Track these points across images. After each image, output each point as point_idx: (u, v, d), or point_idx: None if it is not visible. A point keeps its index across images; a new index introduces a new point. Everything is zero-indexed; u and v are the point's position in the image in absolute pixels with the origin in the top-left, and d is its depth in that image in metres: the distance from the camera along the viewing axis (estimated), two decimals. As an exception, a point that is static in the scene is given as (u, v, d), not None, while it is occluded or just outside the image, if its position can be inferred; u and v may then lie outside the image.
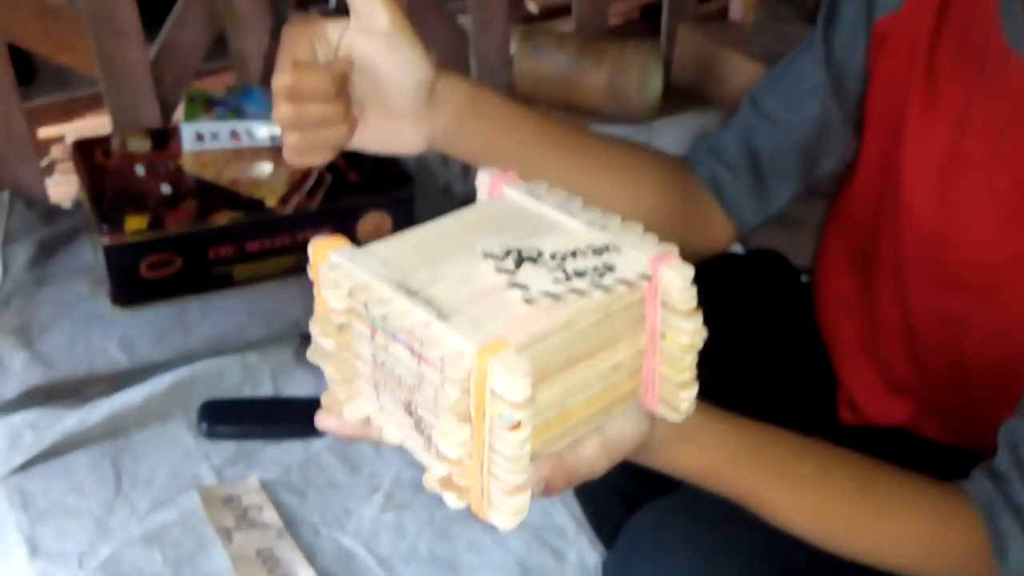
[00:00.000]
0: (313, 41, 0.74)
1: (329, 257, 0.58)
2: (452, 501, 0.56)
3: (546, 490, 0.58)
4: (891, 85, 0.87)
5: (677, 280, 0.57)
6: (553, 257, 0.58)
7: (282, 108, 0.72)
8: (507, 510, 0.54)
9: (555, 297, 0.55)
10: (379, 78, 0.75)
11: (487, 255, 0.58)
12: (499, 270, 0.57)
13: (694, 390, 0.60)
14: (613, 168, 0.89)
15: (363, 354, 0.59)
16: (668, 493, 0.79)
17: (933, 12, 0.83)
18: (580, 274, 0.57)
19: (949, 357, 0.88)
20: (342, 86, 0.74)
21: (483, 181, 0.67)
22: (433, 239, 0.61)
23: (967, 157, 0.82)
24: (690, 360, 0.59)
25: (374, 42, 0.73)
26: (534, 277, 0.56)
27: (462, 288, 0.56)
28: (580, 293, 0.56)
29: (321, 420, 0.62)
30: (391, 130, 0.78)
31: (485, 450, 0.53)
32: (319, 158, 0.76)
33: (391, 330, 0.55)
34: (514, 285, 0.56)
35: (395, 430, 0.60)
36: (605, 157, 0.89)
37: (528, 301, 0.55)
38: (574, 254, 0.59)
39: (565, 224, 0.62)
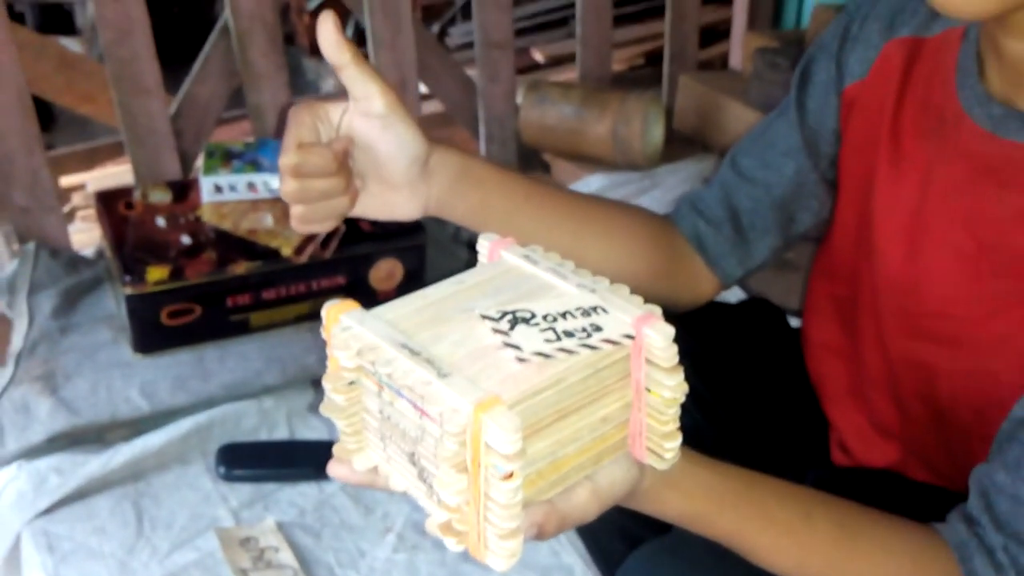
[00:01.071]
0: (316, 122, 0.81)
1: (340, 320, 0.64)
2: (452, 545, 0.60)
3: (539, 534, 0.62)
4: (861, 147, 0.93)
5: (659, 340, 0.61)
6: (545, 318, 0.63)
7: (288, 184, 0.79)
8: (502, 553, 0.59)
9: (546, 356, 0.60)
10: (377, 154, 0.82)
11: (484, 317, 0.63)
12: (495, 331, 0.62)
13: (678, 440, 0.65)
14: (600, 227, 0.95)
15: (371, 408, 0.64)
16: (664, 533, 0.84)
17: (897, 79, 0.89)
18: (569, 334, 0.62)
19: (926, 403, 0.93)
20: (343, 162, 0.80)
21: (483, 246, 0.72)
22: (435, 301, 0.66)
23: (930, 215, 0.87)
24: (673, 412, 0.63)
25: (371, 123, 0.81)
26: (527, 337, 0.61)
27: (461, 348, 0.61)
28: (569, 352, 0.60)
29: (333, 469, 0.68)
30: (390, 200, 0.85)
31: (481, 498, 0.58)
32: (323, 227, 0.83)
33: (396, 387, 0.60)
34: (508, 345, 0.61)
35: (400, 479, 0.64)
36: (593, 217, 0.95)
37: (521, 360, 0.60)
38: (564, 315, 0.63)
39: (557, 286, 0.67)
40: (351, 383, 0.64)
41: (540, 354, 0.60)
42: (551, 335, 0.62)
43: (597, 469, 0.64)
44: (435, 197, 0.86)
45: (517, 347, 0.60)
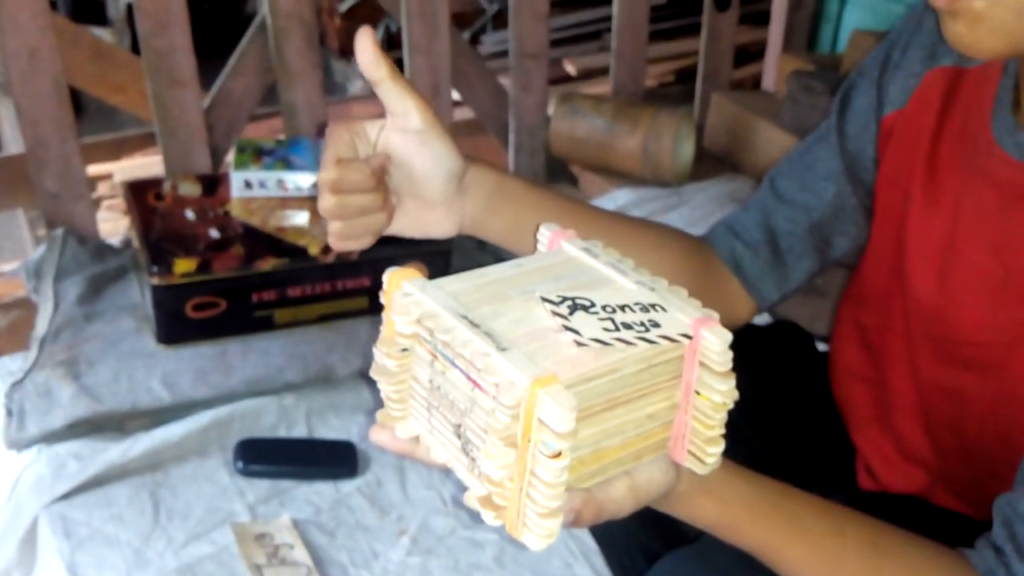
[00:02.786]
0: (354, 139, 0.81)
1: (403, 285, 0.64)
2: (489, 518, 0.60)
3: (575, 521, 0.62)
4: (897, 175, 0.93)
5: (716, 342, 0.61)
6: (604, 308, 0.63)
7: (327, 199, 0.78)
8: (539, 531, 0.59)
9: (603, 344, 0.60)
10: (413, 171, 0.82)
11: (544, 299, 0.63)
12: (555, 314, 0.62)
13: (721, 446, 0.65)
14: (633, 247, 0.94)
15: (421, 377, 0.64)
16: (685, 545, 0.84)
17: (936, 109, 0.89)
18: (628, 326, 0.61)
19: (955, 429, 0.92)
20: (380, 179, 0.80)
21: (544, 235, 0.72)
22: (495, 280, 0.66)
23: (960, 242, 0.87)
24: (720, 417, 0.63)
25: (408, 139, 0.81)
26: (586, 324, 0.61)
27: (519, 326, 0.61)
28: (627, 343, 0.60)
29: (375, 434, 0.68)
30: (425, 217, 0.85)
31: (526, 474, 0.58)
32: (360, 244, 0.82)
33: (451, 356, 0.60)
34: (567, 329, 0.60)
35: (442, 450, 0.64)
36: (626, 236, 0.94)
37: (579, 344, 0.59)
38: (623, 308, 0.63)
39: (617, 281, 0.67)
40: (404, 349, 0.64)
41: (598, 341, 0.60)
42: (609, 324, 0.61)
43: (636, 466, 0.64)
44: (470, 215, 0.86)
45: (576, 331, 0.60)
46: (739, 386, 0.62)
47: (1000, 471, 0.86)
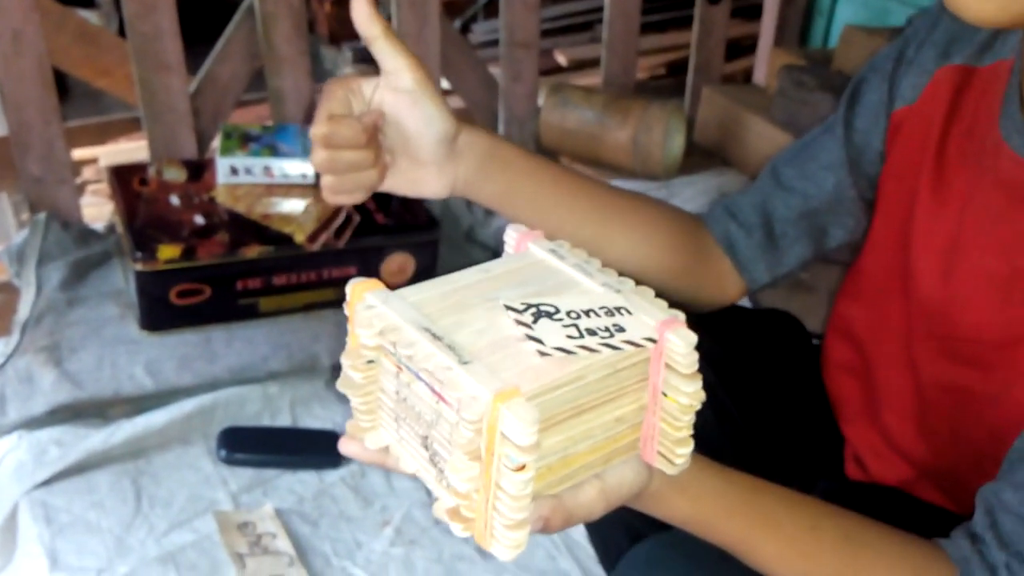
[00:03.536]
0: (348, 96, 0.82)
1: (365, 298, 0.63)
2: (458, 530, 0.60)
3: (544, 528, 0.62)
4: (904, 169, 0.93)
5: (681, 345, 0.61)
6: (569, 315, 0.63)
7: (319, 153, 0.81)
8: (507, 543, 0.59)
9: (567, 352, 0.60)
10: (405, 130, 0.83)
11: (508, 308, 0.63)
12: (518, 323, 0.62)
13: (690, 447, 0.64)
14: (627, 218, 0.95)
15: (388, 389, 0.64)
16: (667, 529, 0.84)
17: (945, 107, 0.89)
18: (592, 332, 0.61)
19: (951, 427, 0.92)
20: (373, 136, 0.82)
21: (511, 236, 0.72)
22: (460, 288, 0.66)
23: (966, 240, 0.87)
24: (688, 419, 0.63)
25: (401, 98, 0.82)
26: (550, 332, 0.61)
27: (483, 337, 0.60)
28: (590, 350, 0.60)
29: (344, 445, 0.68)
30: (418, 176, 0.86)
31: (491, 487, 0.58)
32: (352, 198, 0.84)
33: (415, 370, 0.60)
34: (531, 338, 0.60)
35: (411, 461, 0.64)
36: (620, 207, 0.95)
37: (542, 354, 0.59)
38: (588, 313, 0.63)
39: (582, 283, 0.67)
40: (370, 361, 0.64)
41: (562, 350, 0.60)
42: (574, 331, 0.61)
43: (607, 468, 0.64)
44: (462, 177, 0.87)
45: (539, 340, 0.60)
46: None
47: (987, 466, 0.86)
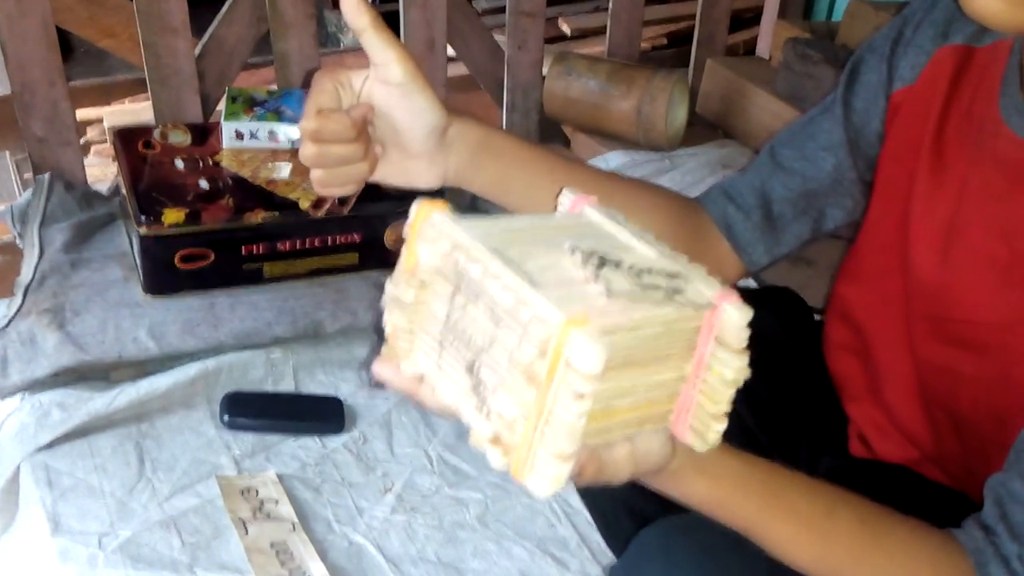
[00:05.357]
0: (337, 88, 0.82)
1: (432, 216, 0.63)
2: (496, 458, 0.60)
3: (578, 476, 0.63)
4: (903, 150, 0.93)
5: (737, 317, 0.61)
6: (631, 268, 0.63)
7: (307, 148, 0.81)
8: (547, 475, 0.58)
9: (632, 298, 0.60)
10: (395, 122, 0.83)
11: (574, 250, 0.62)
12: (584, 264, 0.61)
13: (724, 424, 0.65)
14: (623, 203, 0.94)
15: (437, 312, 0.63)
16: (674, 510, 0.84)
17: (945, 87, 0.89)
18: (654, 287, 0.61)
19: (949, 409, 0.93)
20: (362, 129, 0.82)
21: (566, 198, 0.72)
22: (522, 229, 0.65)
23: (965, 222, 0.87)
24: (729, 394, 0.63)
25: (390, 91, 0.82)
26: (614, 278, 0.61)
27: (549, 272, 0.60)
28: (654, 301, 0.60)
29: (379, 367, 0.67)
30: (409, 167, 0.86)
31: (544, 414, 0.57)
32: (343, 191, 0.85)
33: (476, 290, 0.60)
34: (596, 279, 0.60)
35: (450, 389, 0.64)
36: (616, 193, 0.95)
37: (609, 294, 0.59)
38: (649, 271, 0.63)
39: (640, 248, 0.66)
40: (423, 282, 0.63)
41: (627, 294, 0.60)
42: (637, 283, 0.61)
43: (639, 432, 0.64)
44: (454, 168, 0.87)
45: (605, 283, 0.60)
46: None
47: (991, 452, 0.86)
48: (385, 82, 0.81)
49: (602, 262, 0.62)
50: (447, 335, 0.63)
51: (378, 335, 0.68)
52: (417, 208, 0.64)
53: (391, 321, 0.65)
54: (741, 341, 0.62)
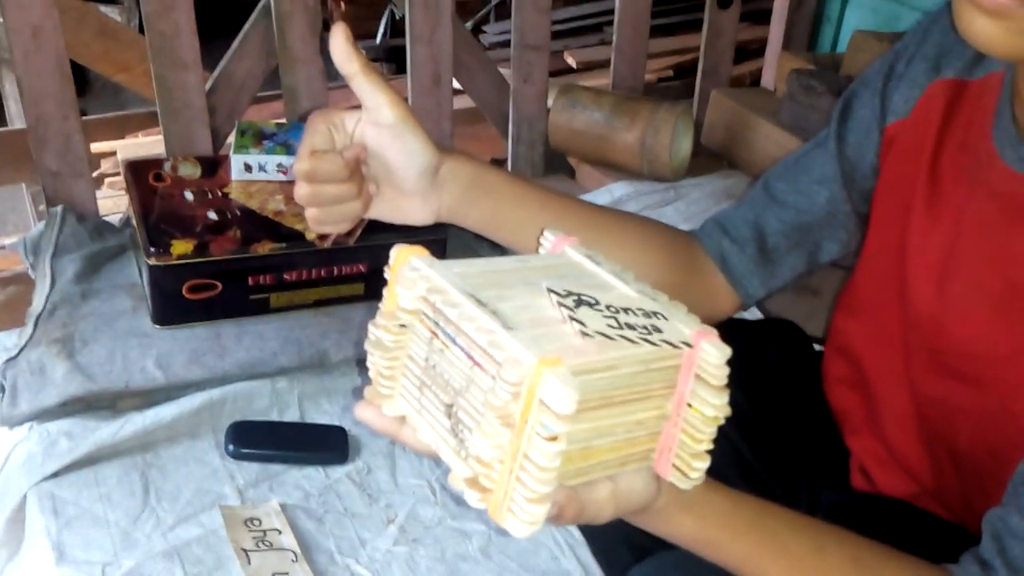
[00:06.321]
0: (331, 130, 0.84)
1: (410, 260, 0.65)
2: (474, 500, 0.60)
3: (558, 516, 0.63)
4: (898, 183, 0.94)
5: (715, 355, 0.62)
6: (608, 308, 0.64)
7: (302, 188, 0.83)
8: (525, 517, 0.59)
9: (608, 337, 0.60)
10: (388, 162, 0.85)
11: (550, 291, 0.64)
12: (560, 304, 0.62)
13: (707, 462, 0.65)
14: (618, 237, 0.97)
15: (417, 355, 0.65)
16: (671, 545, 0.85)
17: (939, 120, 0.90)
18: (631, 327, 0.62)
19: (946, 442, 0.93)
20: (355, 168, 0.84)
21: (547, 239, 0.74)
22: (501, 270, 0.67)
23: (961, 254, 0.88)
24: (710, 432, 0.64)
25: (382, 132, 0.84)
26: (590, 318, 0.62)
27: (524, 312, 0.61)
28: (630, 341, 0.61)
29: (361, 410, 0.69)
30: (402, 205, 0.88)
31: (518, 457, 0.58)
32: (337, 229, 0.87)
33: (452, 333, 0.61)
34: (573, 319, 0.61)
35: (429, 431, 0.65)
36: (610, 227, 0.97)
37: (584, 335, 0.60)
38: (627, 310, 0.64)
39: (619, 287, 0.68)
40: (403, 325, 0.65)
41: (602, 335, 0.60)
42: (613, 323, 0.62)
43: (620, 472, 0.65)
44: (446, 205, 0.89)
45: (581, 323, 0.61)
46: (732, 380, 0.63)
47: (990, 486, 0.86)
48: (377, 124, 0.84)
49: (579, 302, 0.63)
50: (426, 377, 0.64)
51: (361, 367, 0.70)
52: (396, 252, 0.66)
53: (373, 363, 0.67)
54: (721, 379, 0.62)
